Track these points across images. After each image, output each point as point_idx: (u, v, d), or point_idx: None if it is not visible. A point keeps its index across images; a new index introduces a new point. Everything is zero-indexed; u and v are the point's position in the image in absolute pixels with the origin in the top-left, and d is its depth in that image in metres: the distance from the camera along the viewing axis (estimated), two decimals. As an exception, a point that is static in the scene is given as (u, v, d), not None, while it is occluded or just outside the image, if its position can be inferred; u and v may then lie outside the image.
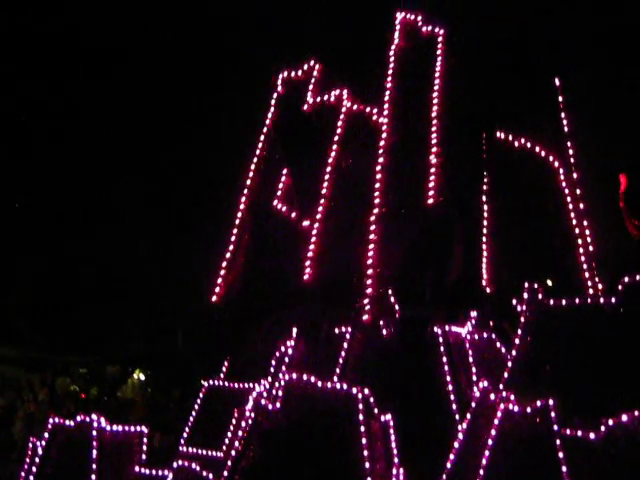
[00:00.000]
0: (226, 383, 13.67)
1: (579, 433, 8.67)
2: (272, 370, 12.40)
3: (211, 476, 10.62)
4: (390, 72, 12.50)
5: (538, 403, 8.88)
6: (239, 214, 12.89)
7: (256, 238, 12.86)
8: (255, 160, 13.23)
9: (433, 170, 11.25)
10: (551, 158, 11.51)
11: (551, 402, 8.81)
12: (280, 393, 10.17)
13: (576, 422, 8.80)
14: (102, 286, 37.22)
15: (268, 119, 13.40)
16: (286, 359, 12.05)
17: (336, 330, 11.82)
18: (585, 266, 10.89)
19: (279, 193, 13.20)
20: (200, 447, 13.07)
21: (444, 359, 10.82)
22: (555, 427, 8.73)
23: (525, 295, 9.63)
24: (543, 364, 9.38)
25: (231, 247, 12.81)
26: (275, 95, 13.53)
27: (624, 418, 8.52)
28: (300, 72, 13.62)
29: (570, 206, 11.24)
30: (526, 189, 11.46)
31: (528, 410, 8.93)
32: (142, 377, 39.09)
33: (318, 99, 13.07)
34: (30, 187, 33.97)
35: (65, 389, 33.86)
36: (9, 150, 32.92)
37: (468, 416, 9.41)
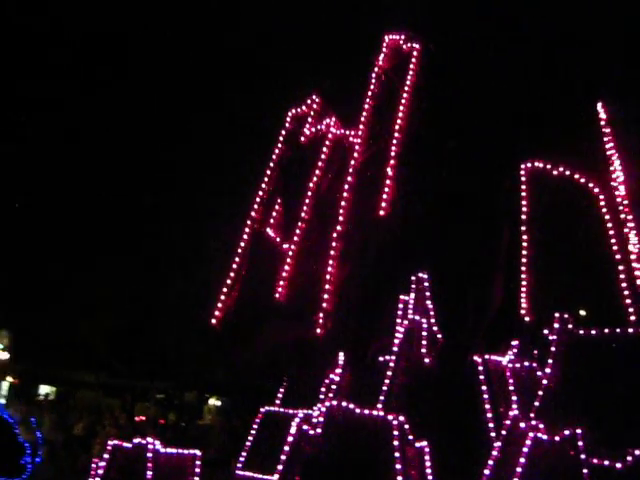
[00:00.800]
0: (281, 409, 14.29)
1: (606, 462, 8.96)
2: (322, 396, 12.98)
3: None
4: (369, 94, 13.16)
5: (566, 432, 9.21)
6: (242, 243, 13.66)
7: (253, 263, 13.58)
8: (260, 193, 13.99)
9: (387, 182, 11.83)
10: (591, 184, 11.75)
11: (579, 431, 9.14)
12: (321, 419, 10.76)
13: (603, 452, 9.08)
14: (180, 314, 38.53)
15: (275, 154, 14.15)
16: (333, 386, 12.61)
17: (380, 358, 12.34)
18: (627, 292, 11.02)
19: (272, 221, 13.99)
20: (255, 471, 13.72)
21: (483, 388, 11.20)
22: (583, 456, 9.04)
23: (555, 325, 9.98)
24: (573, 393, 9.69)
25: (232, 274, 13.56)
26: (283, 132, 14.31)
27: (651, 448, 8.79)
28: (304, 107, 14.39)
29: (611, 232, 11.40)
30: (566, 217, 11.71)
31: (557, 439, 9.27)
32: (218, 403, 40.20)
33: (313, 130, 13.85)
34: (105, 223, 35.79)
35: (144, 414, 34.91)
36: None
37: (498, 444, 9.79)
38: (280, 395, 14.82)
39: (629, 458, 8.88)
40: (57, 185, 36.22)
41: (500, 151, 12.25)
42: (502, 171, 12.29)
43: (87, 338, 38.52)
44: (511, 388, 11.34)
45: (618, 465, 8.90)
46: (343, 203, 12.34)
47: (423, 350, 11.90)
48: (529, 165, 11.90)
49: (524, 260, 11.58)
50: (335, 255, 12.06)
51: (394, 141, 12.18)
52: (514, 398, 11.20)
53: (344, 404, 10.72)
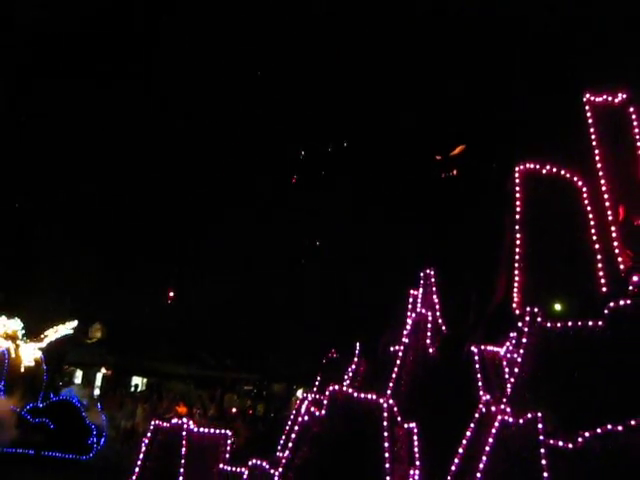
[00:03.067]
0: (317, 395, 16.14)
1: (560, 443, 10.34)
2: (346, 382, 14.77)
3: (272, 471, 13.07)
4: None
5: (529, 415, 10.63)
6: None
7: None
8: None
9: None
10: (575, 178, 12.86)
11: (539, 415, 10.54)
12: (325, 402, 12.55)
13: (560, 433, 10.46)
14: (267, 306, 40.92)
15: None
16: (350, 373, 14.40)
17: (391, 348, 14.01)
18: (603, 281, 12.10)
19: None
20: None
21: (478, 376, 12.68)
22: (541, 437, 10.44)
23: (526, 318, 11.39)
24: (539, 380, 11.09)
25: None
26: None
27: (599, 431, 10.12)
28: None
29: (592, 222, 12.48)
30: (556, 213, 12.89)
31: (520, 421, 10.70)
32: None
33: None
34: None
35: (233, 406, 37.38)
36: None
37: (471, 425, 11.30)
38: (317, 383, 16.71)
39: (580, 439, 10.22)
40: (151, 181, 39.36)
41: (499, 153, 13.61)
42: (502, 173, 13.66)
43: (176, 330, 41.41)
44: (507, 377, 12.77)
45: (570, 445, 10.26)
46: None
47: (428, 341, 13.47)
48: (522, 167, 13.17)
49: (517, 257, 12.91)
50: None
51: None
52: (509, 385, 12.64)
53: (344, 388, 12.47)
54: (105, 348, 39.00)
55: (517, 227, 12.88)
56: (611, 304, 10.83)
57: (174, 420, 14.63)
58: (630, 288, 10.93)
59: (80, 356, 37.15)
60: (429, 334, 13.51)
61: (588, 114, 13.01)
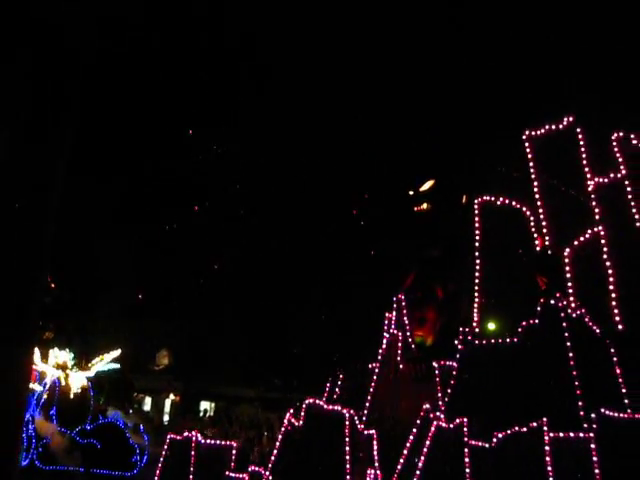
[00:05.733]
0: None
1: (479, 443, 12.77)
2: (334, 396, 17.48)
3: (267, 473, 15.80)
4: None
5: (457, 420, 13.10)
6: None
7: None
8: None
9: None
10: (524, 208, 15.11)
11: (465, 420, 13.00)
12: (302, 413, 15.30)
13: (480, 435, 12.88)
14: (330, 328, 43.65)
15: None
16: (336, 389, 17.10)
17: (370, 366, 16.65)
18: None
19: None
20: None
21: (438, 387, 15.17)
22: (465, 439, 12.90)
23: (460, 336, 13.87)
24: (468, 390, 13.56)
25: None
26: None
27: (508, 432, 12.52)
28: None
29: (537, 249, 14.72)
30: (508, 241, 15.20)
31: (451, 426, 13.18)
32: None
33: None
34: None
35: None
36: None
37: (414, 430, 13.83)
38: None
39: (494, 440, 12.63)
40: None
41: (466, 188, 16.10)
42: (468, 206, 16.15)
43: (242, 353, 44.53)
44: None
45: (487, 445, 12.68)
46: None
47: (398, 358, 16.06)
48: (480, 200, 15.55)
49: (477, 281, 15.31)
50: None
51: None
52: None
53: (317, 402, 15.17)
54: (172, 374, 42.38)
55: (477, 253, 15.28)
56: (523, 323, 13.23)
57: (185, 433, 17.54)
58: (538, 309, 13.21)
59: (148, 383, 40.55)
60: (399, 352, 16.10)
61: (527, 150, 15.30)
